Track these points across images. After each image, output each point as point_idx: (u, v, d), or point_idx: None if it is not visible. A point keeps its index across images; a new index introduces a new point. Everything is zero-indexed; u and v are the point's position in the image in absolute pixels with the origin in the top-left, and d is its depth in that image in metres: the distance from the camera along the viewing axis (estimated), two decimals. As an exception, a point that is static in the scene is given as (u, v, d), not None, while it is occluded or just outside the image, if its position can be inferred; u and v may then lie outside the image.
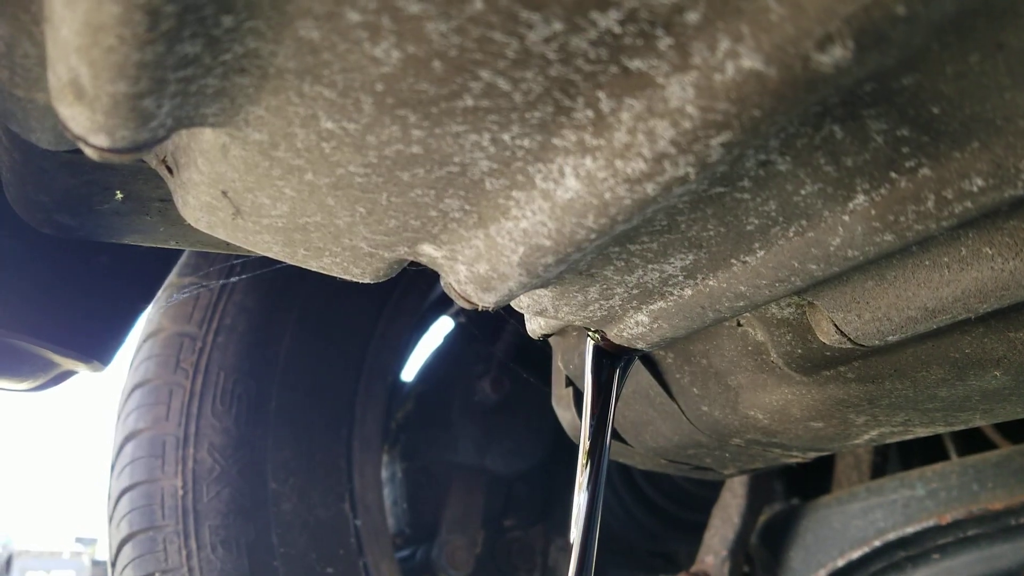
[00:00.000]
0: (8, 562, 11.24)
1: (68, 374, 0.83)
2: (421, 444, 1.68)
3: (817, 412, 0.74)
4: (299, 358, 1.40)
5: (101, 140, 0.42)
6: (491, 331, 1.68)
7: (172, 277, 1.35)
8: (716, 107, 0.34)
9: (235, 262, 1.35)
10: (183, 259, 1.39)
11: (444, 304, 1.79)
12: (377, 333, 1.48)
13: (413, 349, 1.76)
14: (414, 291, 1.54)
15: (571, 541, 0.66)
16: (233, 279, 1.34)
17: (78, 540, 11.52)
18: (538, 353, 1.53)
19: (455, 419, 1.65)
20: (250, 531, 1.29)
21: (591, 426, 0.67)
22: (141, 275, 0.90)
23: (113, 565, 1.33)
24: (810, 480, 1.60)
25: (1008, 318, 0.57)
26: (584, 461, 0.68)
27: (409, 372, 1.79)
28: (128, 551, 1.29)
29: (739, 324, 0.74)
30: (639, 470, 1.65)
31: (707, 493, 1.41)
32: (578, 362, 0.90)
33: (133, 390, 1.38)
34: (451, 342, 1.76)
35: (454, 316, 1.80)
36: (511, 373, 1.63)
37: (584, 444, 0.67)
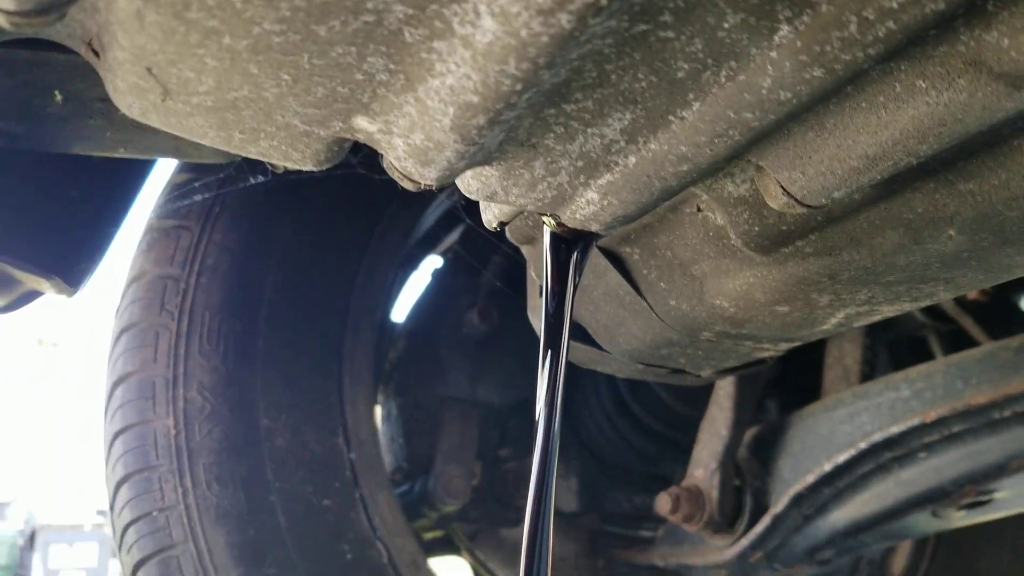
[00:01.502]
0: (32, 537, 11.40)
1: (34, 294, 0.83)
2: (413, 380, 1.69)
3: (780, 294, 0.73)
4: (284, 297, 1.40)
5: (7, 2, 0.41)
6: (478, 262, 1.68)
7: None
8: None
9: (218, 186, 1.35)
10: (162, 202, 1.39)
11: (431, 242, 1.79)
12: (362, 270, 1.48)
13: (401, 289, 1.77)
14: (396, 228, 1.54)
15: (536, 424, 0.66)
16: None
17: (99, 513, 11.69)
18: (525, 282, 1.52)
19: (444, 353, 1.65)
20: (244, 467, 1.30)
21: (550, 313, 0.67)
22: (109, 200, 0.89)
23: (112, 507, 1.34)
24: (801, 398, 1.60)
25: (957, 169, 0.56)
26: (544, 352, 0.68)
27: (400, 314, 1.80)
28: (125, 492, 1.30)
29: (699, 209, 0.73)
30: (631, 396, 1.66)
31: (698, 414, 1.41)
32: (548, 267, 0.90)
33: (120, 334, 1.39)
34: (439, 278, 1.76)
35: (442, 253, 1.80)
36: (498, 304, 1.64)
37: (543, 334, 0.67)
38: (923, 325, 1.42)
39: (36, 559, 11.01)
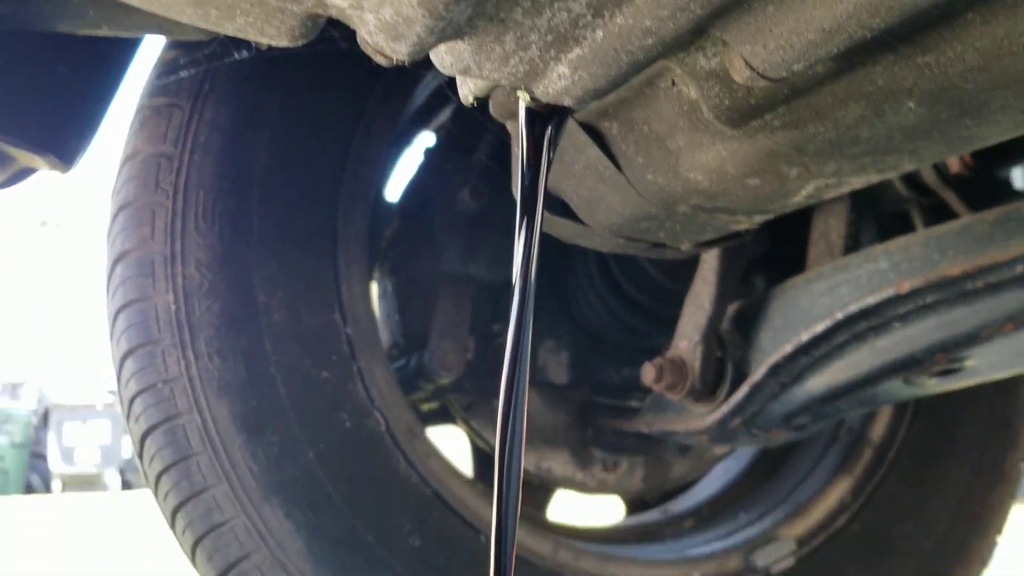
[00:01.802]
0: (45, 416, 11.73)
1: (28, 171, 0.85)
2: (407, 258, 1.72)
3: (751, 167, 0.76)
4: (275, 175, 1.41)
5: None
6: (469, 140, 1.69)
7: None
8: None
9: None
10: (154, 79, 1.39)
11: (423, 119, 1.79)
12: (354, 148, 1.49)
13: (394, 166, 1.78)
14: (387, 105, 1.54)
15: (512, 290, 0.69)
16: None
17: (110, 392, 11.97)
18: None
19: (438, 231, 1.68)
20: (244, 341, 1.34)
21: (526, 186, 0.70)
22: (98, 77, 0.90)
23: (118, 379, 1.39)
24: (788, 273, 1.63)
25: (915, 43, 0.57)
26: (519, 223, 0.70)
27: (394, 193, 1.81)
28: (130, 365, 1.35)
29: (673, 83, 0.75)
30: (620, 272, 1.69)
31: (682, 287, 1.45)
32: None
33: (118, 213, 1.41)
34: (431, 157, 1.77)
35: (435, 131, 1.81)
36: (490, 183, 1.65)
37: (518, 206, 0.70)
38: (906, 199, 1.43)
39: (51, 437, 11.34)
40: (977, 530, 1.63)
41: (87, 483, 10.93)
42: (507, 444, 0.68)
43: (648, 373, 1.36)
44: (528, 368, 0.69)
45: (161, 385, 1.31)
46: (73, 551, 5.02)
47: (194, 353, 1.32)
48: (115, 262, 1.39)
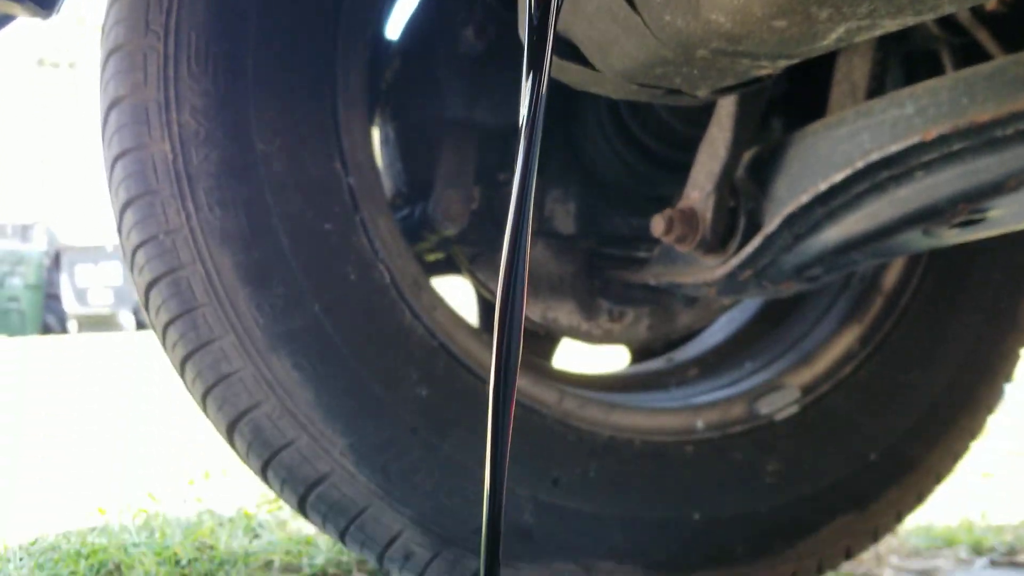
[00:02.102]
0: (57, 258, 11.83)
1: (7, 18, 0.80)
2: (409, 102, 1.65)
3: (777, 7, 0.70)
4: (270, 17, 1.34)
5: None
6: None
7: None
8: None
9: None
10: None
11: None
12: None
13: (394, 2, 1.69)
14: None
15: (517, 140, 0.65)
16: None
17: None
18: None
19: (441, 73, 1.60)
20: (244, 191, 1.30)
21: (534, 26, 0.64)
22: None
23: (119, 230, 1.37)
24: (808, 116, 1.57)
25: None
26: (527, 67, 0.65)
27: (394, 31, 1.73)
28: (130, 215, 1.32)
29: (696, -88, 0.68)
30: (632, 117, 1.63)
31: (698, 133, 1.39)
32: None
33: (108, 57, 1.35)
34: (433, -8, 1.68)
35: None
36: (495, 20, 1.57)
37: (526, 48, 0.65)
38: (936, 38, 1.36)
39: (64, 279, 11.49)
40: (985, 378, 1.63)
41: (102, 324, 11.14)
42: (509, 291, 0.66)
43: (658, 225, 1.33)
44: (531, 217, 0.65)
45: (163, 236, 1.29)
46: (90, 390, 5.17)
47: (194, 204, 1.29)
48: (109, 109, 1.34)
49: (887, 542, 1.84)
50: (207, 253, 1.28)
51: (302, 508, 1.34)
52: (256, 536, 1.93)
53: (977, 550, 1.92)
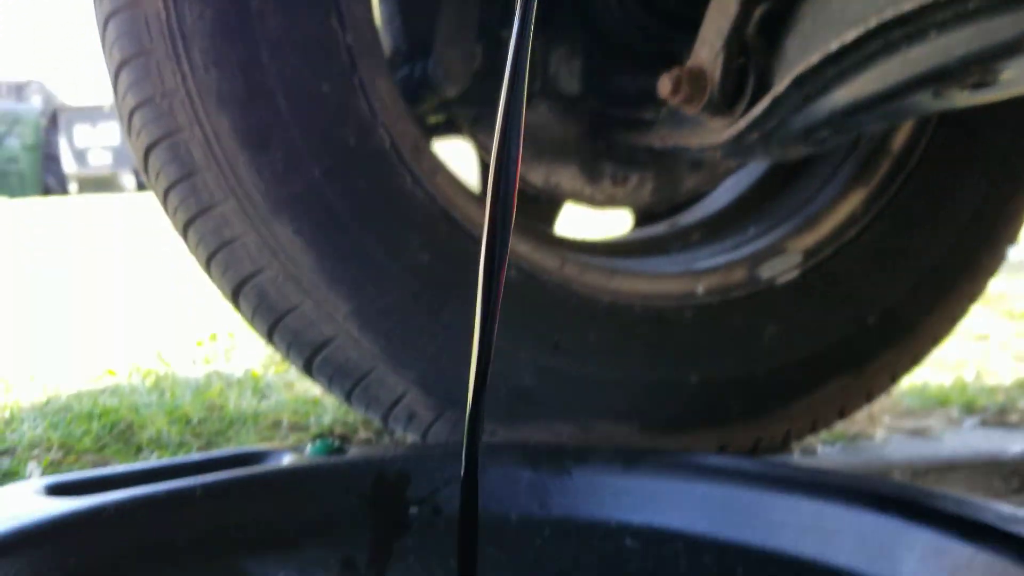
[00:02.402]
0: (54, 118, 11.67)
1: None
2: (407, -46, 1.59)
3: None
4: None
5: None
6: None
7: None
8: None
9: None
10: None
11: None
12: None
13: None
14: None
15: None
16: None
17: (116, 94, 11.82)
18: None
19: (441, -77, 1.54)
20: (240, 51, 1.27)
21: None
22: None
23: (115, 92, 1.34)
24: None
25: None
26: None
27: None
28: (125, 77, 1.29)
29: None
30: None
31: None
32: None
33: (91, -93, 1.29)
34: None
35: None
36: None
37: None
38: None
39: (62, 140, 11.37)
40: (988, 242, 1.63)
41: (103, 184, 11.10)
42: (503, 149, 0.64)
43: (664, 85, 1.30)
44: (527, 69, 0.64)
45: (159, 99, 1.26)
46: (91, 251, 5.19)
47: (189, 64, 1.25)
48: (98, -35, 1.29)
49: (880, 402, 1.89)
50: (204, 116, 1.26)
51: (308, 370, 1.36)
52: (264, 397, 1.97)
53: (969, 410, 1.97)
